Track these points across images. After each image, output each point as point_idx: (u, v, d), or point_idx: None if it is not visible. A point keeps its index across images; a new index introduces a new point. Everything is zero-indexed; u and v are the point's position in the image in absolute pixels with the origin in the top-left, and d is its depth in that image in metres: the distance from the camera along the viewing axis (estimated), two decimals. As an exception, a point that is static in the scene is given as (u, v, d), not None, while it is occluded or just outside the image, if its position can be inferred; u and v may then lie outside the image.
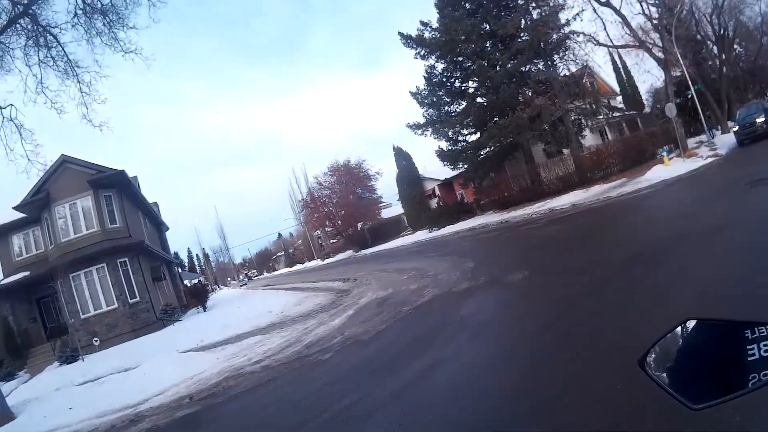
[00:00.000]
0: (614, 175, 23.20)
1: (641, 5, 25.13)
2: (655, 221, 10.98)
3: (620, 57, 36.87)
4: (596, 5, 23.05)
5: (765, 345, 0.82)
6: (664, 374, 0.96)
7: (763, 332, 0.84)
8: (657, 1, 25.29)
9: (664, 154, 19.67)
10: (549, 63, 26.20)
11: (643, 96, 42.73)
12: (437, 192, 41.43)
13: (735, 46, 42.52)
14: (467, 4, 27.27)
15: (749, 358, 0.85)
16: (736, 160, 16.77)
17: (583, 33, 24.23)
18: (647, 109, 41.21)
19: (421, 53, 29.08)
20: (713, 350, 0.94)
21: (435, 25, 28.80)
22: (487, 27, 26.34)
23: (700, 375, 0.94)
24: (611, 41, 24.86)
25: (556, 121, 25.79)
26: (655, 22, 25.25)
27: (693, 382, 0.93)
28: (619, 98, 40.81)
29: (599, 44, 24.19)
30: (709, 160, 18.68)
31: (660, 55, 23.98)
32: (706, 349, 0.95)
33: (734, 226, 7.02)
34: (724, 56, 36.69)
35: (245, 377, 8.22)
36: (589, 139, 30.63)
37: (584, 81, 33.59)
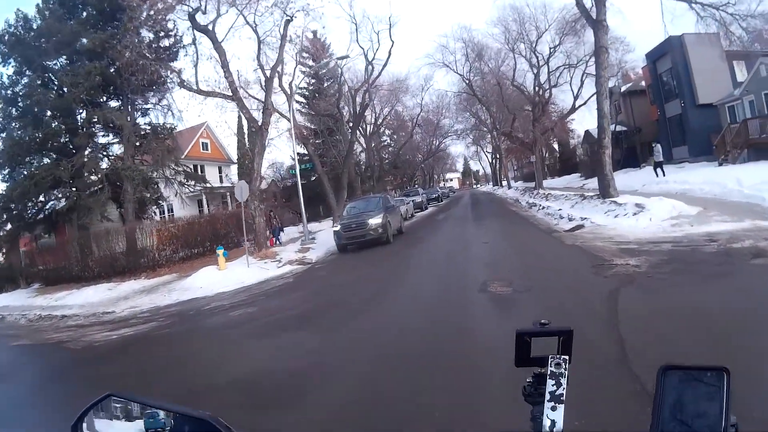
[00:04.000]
0: (174, 264, 18.22)
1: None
2: None
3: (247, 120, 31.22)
4: (197, 33, 16.99)
5: None
6: None
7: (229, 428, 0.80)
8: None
9: (221, 251, 14.08)
10: (127, 102, 20.65)
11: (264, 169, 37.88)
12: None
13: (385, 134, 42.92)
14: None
15: None
16: (317, 278, 11.31)
17: (176, 70, 18.49)
18: (264, 186, 36.24)
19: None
20: None
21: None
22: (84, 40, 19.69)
23: None
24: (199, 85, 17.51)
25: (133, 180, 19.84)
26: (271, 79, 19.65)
27: None
28: (234, 167, 37.18)
29: (183, 86, 17.59)
30: (286, 269, 13.35)
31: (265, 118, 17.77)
32: None
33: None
34: (363, 138, 34.69)
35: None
36: (180, 210, 24.87)
37: (195, 140, 29.94)
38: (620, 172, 23.07)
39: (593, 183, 25.05)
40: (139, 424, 0.91)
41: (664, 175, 18.60)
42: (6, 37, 20.21)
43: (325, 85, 35.05)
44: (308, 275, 12.05)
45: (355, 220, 15.27)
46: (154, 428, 0.89)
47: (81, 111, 20.17)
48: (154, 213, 23.88)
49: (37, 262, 20.95)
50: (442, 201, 43.01)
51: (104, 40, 18.74)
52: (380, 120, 38.25)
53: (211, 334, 7.71)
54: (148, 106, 21.70)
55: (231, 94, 16.94)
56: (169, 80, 19.21)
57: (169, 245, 19.42)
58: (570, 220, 12.45)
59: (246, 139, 37.93)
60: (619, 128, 30.06)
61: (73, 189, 20.04)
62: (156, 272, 17.36)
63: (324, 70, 34.27)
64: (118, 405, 0.94)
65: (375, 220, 14.82)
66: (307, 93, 35.65)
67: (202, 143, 33.28)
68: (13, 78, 20.56)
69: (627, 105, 32.68)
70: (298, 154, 33.49)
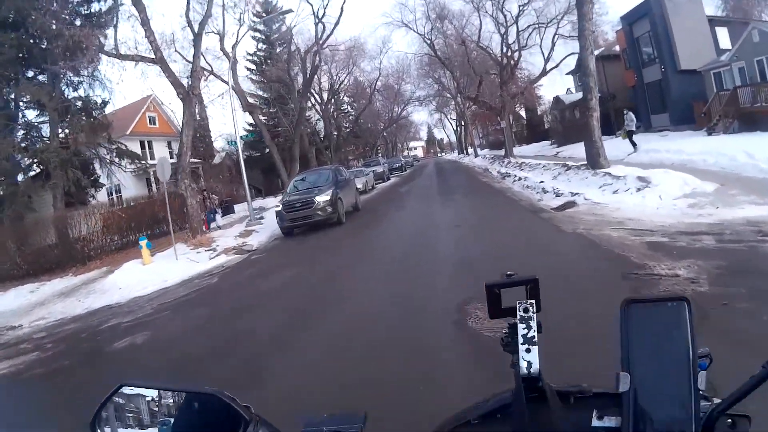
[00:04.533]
0: (108, 255, 15.56)
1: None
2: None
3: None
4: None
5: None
6: None
7: (234, 400, 0.83)
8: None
9: (144, 242, 11.68)
10: (51, 76, 17.45)
11: (220, 142, 35.67)
12: None
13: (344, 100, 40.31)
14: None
15: None
16: (244, 279, 8.94)
17: (95, 34, 14.33)
18: (218, 160, 34.79)
19: None
20: None
21: None
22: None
23: None
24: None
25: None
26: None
27: None
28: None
29: (102, 51, 14.38)
30: (219, 260, 11.16)
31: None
32: None
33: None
34: (319, 106, 33.17)
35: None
36: (131, 189, 23.49)
37: (141, 114, 27.44)
38: (595, 141, 22.18)
39: (568, 151, 23.96)
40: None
41: (634, 145, 16.68)
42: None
43: (278, 50, 31.88)
44: (237, 272, 9.75)
45: (300, 197, 12.82)
46: None
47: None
48: (93, 197, 20.86)
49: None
50: (405, 171, 41.14)
51: (21, 7, 15.72)
52: (337, 86, 35.26)
53: (67, 381, 5.21)
54: (79, 79, 18.76)
55: (153, 56, 14.13)
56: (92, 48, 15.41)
57: (104, 233, 16.68)
58: (557, 195, 10.37)
59: (197, 113, 34.41)
60: (592, 94, 28.74)
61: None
62: (86, 267, 14.82)
63: (276, 35, 31.18)
64: (130, 395, 0.92)
65: (323, 198, 12.40)
66: (257, 59, 32.94)
67: (149, 117, 30.12)
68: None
69: (600, 70, 30.62)
70: (248, 124, 30.64)
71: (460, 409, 0.90)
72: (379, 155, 49.73)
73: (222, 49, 19.06)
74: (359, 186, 22.02)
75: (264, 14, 26.95)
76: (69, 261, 15.42)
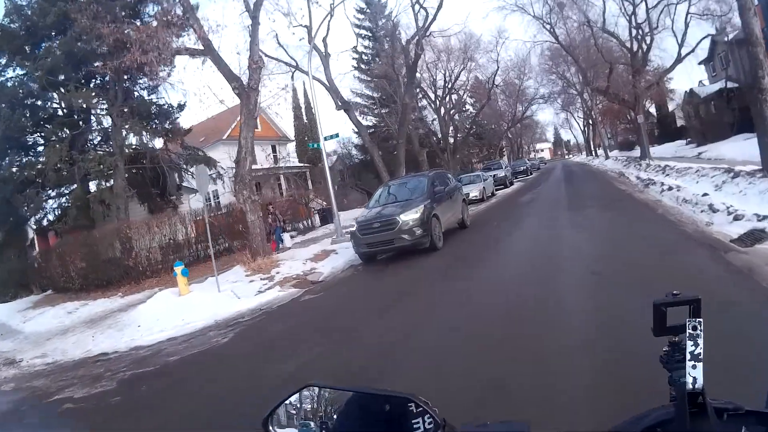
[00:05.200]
0: (167, 272, 13.38)
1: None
2: None
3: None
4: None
5: (429, 419, 0.83)
6: None
7: (427, 404, 0.85)
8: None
9: (179, 268, 9.66)
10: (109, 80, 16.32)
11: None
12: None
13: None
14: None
15: None
16: (299, 322, 7.25)
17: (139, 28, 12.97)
18: (329, 164, 32.38)
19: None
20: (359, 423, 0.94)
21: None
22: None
23: None
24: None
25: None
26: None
27: None
28: (292, 146, 33.70)
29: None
30: (267, 297, 9.07)
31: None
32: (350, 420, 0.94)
33: None
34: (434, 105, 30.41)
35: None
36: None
37: (239, 119, 25.59)
38: (738, 138, 19.58)
39: (712, 151, 20.02)
40: None
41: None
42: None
43: (386, 47, 30.34)
44: (267, 326, 7.38)
45: (379, 215, 10.22)
46: None
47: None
48: (174, 205, 20.10)
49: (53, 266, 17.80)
50: (531, 174, 37.71)
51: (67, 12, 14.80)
52: (452, 82, 32.53)
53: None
54: (149, 82, 17.72)
55: (202, 48, 12.56)
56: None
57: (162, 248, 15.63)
58: (734, 216, 6.85)
59: (303, 113, 33.89)
60: (730, 85, 24.42)
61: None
62: (139, 285, 13.89)
63: (382, 31, 29.55)
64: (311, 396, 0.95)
65: (410, 215, 9.64)
66: (364, 56, 31.84)
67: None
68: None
69: (736, 57, 24.83)
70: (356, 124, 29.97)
71: (617, 423, 0.90)
72: (503, 158, 46.30)
73: (311, 42, 17.38)
74: (474, 194, 19.40)
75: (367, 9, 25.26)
76: (125, 277, 14.53)
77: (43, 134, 17.76)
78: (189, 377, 5.66)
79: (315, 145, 18.05)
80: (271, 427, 0.90)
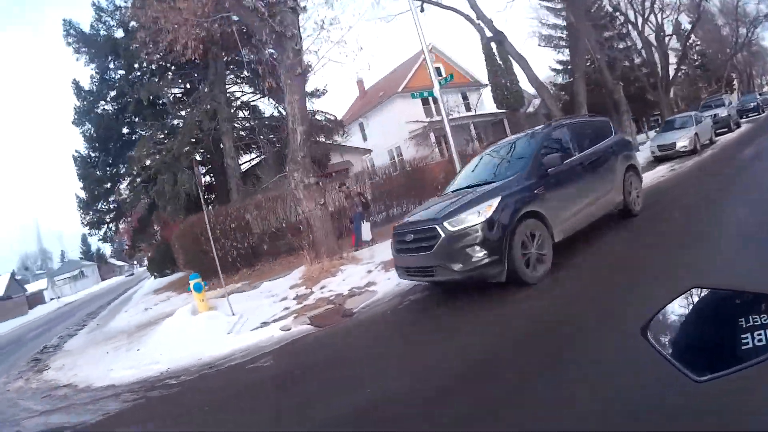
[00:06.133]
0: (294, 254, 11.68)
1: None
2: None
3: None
4: None
5: None
6: (667, 344, 0.95)
7: None
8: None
9: (193, 282, 7.40)
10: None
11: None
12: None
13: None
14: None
15: (758, 330, 0.84)
16: (302, 388, 3.68)
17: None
18: (531, 108, 28.75)
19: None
20: (719, 320, 0.93)
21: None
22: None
23: (705, 346, 0.94)
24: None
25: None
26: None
27: (697, 353, 0.94)
28: (486, 90, 29.31)
29: None
30: (295, 330, 5.99)
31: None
32: (712, 319, 0.94)
33: None
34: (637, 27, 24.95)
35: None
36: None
37: (415, 71, 25.63)
38: None
39: None
40: None
41: None
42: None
43: None
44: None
45: (418, 222, 5.67)
46: None
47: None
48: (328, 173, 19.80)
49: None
50: (763, 113, 28.84)
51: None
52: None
53: None
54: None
55: None
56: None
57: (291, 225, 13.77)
58: None
59: (495, 52, 29.08)
60: None
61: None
62: (243, 272, 12.82)
63: None
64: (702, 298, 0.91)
65: (459, 224, 5.05)
66: None
67: (435, 69, 27.74)
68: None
69: None
70: (558, 62, 27.00)
71: None
72: (732, 93, 36.12)
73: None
74: (683, 143, 14.13)
75: None
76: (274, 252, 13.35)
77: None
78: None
79: (422, 94, 13.75)
80: (650, 336, 0.91)
